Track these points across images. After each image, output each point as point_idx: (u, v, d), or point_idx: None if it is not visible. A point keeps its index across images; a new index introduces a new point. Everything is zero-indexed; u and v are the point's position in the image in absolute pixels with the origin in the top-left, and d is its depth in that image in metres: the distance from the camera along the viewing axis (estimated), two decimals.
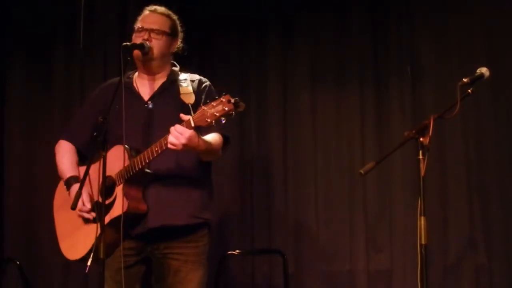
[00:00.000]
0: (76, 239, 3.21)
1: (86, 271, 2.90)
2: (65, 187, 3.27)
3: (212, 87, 3.31)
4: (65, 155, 3.35)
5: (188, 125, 2.86)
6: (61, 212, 3.32)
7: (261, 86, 4.86)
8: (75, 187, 3.18)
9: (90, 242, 3.06)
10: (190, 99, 3.00)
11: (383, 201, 4.61)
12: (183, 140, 2.86)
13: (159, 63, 3.26)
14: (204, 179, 3.27)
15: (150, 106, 3.23)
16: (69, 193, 3.24)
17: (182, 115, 2.89)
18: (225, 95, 2.77)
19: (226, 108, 2.75)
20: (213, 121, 2.78)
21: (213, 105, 2.78)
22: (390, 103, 4.70)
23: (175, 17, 3.33)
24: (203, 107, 2.81)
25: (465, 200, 4.50)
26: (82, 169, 3.27)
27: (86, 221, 3.18)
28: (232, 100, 2.75)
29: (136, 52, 3.17)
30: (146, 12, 3.30)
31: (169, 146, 2.89)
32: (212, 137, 3.11)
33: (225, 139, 3.22)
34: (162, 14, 3.29)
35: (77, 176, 3.27)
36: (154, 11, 3.29)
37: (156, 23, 3.24)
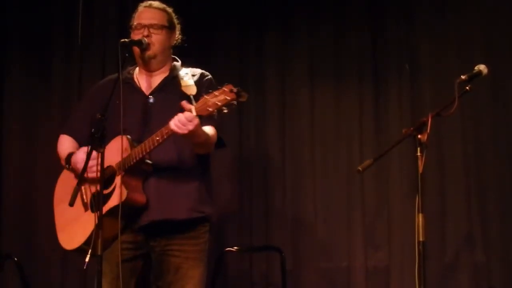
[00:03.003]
0: (74, 229, 3.20)
1: (85, 267, 2.90)
2: (66, 165, 3.28)
3: (214, 80, 3.31)
4: (65, 144, 3.37)
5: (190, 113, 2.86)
6: (61, 203, 3.31)
7: (260, 84, 4.87)
8: (76, 153, 3.20)
9: (87, 232, 3.08)
10: (191, 91, 3.00)
11: (381, 198, 4.62)
12: (190, 127, 2.86)
13: (160, 59, 3.27)
14: (203, 173, 3.27)
15: (151, 100, 3.24)
16: (69, 168, 3.25)
17: (184, 104, 2.88)
18: (227, 84, 2.77)
19: (228, 98, 2.74)
20: (215, 111, 2.78)
21: (215, 94, 2.78)
22: (389, 101, 4.70)
23: (170, 10, 3.35)
24: (204, 96, 2.81)
25: (463, 197, 4.51)
26: None
27: (84, 211, 3.18)
28: (235, 90, 2.74)
29: (135, 49, 3.20)
30: (141, 8, 3.31)
31: (173, 128, 2.87)
32: (209, 130, 3.12)
33: (220, 142, 3.23)
34: (158, 8, 3.31)
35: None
36: (150, 6, 3.31)
37: (154, 18, 3.25)
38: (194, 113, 2.84)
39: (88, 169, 2.96)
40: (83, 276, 4.48)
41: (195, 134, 2.93)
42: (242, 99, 2.76)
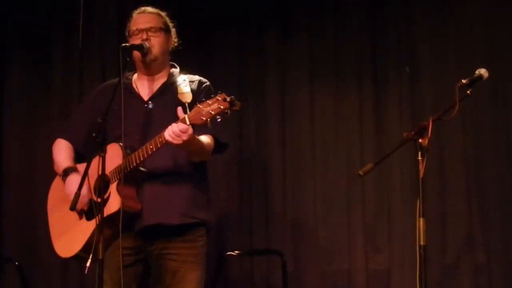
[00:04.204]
0: (70, 236, 3.21)
1: (86, 272, 2.90)
2: (61, 178, 3.28)
3: (212, 87, 3.31)
4: (62, 151, 3.37)
5: (183, 123, 2.86)
6: (55, 210, 3.33)
7: (260, 85, 4.85)
8: (72, 177, 3.20)
9: (83, 239, 3.09)
10: (187, 98, 3.00)
11: (381, 201, 4.61)
12: (185, 137, 2.87)
13: (160, 61, 3.28)
14: (199, 178, 3.27)
15: (150, 106, 3.24)
16: (64, 183, 3.24)
17: (179, 112, 2.89)
18: (220, 93, 2.78)
19: (222, 107, 2.75)
20: (209, 120, 2.79)
21: (208, 103, 2.78)
22: (389, 103, 4.69)
23: (164, 14, 3.37)
24: (198, 105, 2.81)
25: (464, 199, 4.50)
26: (79, 166, 3.30)
27: (80, 218, 3.19)
28: (228, 99, 2.75)
29: (136, 53, 3.19)
30: (136, 15, 3.33)
31: (168, 138, 2.89)
32: (205, 139, 3.12)
33: (222, 146, 3.23)
34: (152, 13, 3.34)
35: (74, 167, 3.28)
36: (144, 11, 3.34)
37: (150, 22, 3.27)
38: (188, 122, 2.84)
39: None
40: (83, 281, 4.51)
41: (189, 144, 2.94)
42: (236, 108, 2.77)
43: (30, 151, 4.92)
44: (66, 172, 3.26)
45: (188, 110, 2.88)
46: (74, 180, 3.17)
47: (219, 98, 2.76)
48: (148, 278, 3.28)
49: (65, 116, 4.78)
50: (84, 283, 4.60)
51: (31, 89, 5.01)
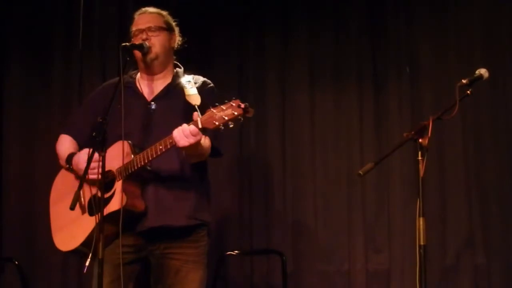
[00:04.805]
0: (71, 230, 3.21)
1: (85, 271, 2.90)
2: (66, 164, 3.27)
3: (216, 89, 3.30)
4: (65, 143, 3.37)
5: (195, 126, 2.85)
6: (58, 203, 3.33)
7: (260, 86, 4.86)
8: (80, 153, 3.19)
9: (84, 234, 3.09)
10: (196, 101, 2.97)
11: (381, 201, 4.61)
12: (192, 140, 2.86)
13: (162, 60, 3.27)
14: (202, 180, 3.27)
15: (153, 107, 3.23)
16: (70, 168, 3.25)
17: (195, 115, 2.86)
18: (235, 99, 2.76)
19: (236, 113, 2.73)
20: (221, 125, 2.77)
21: (222, 108, 2.76)
22: (389, 103, 4.69)
23: (165, 13, 3.36)
24: (212, 109, 2.79)
25: (464, 200, 4.50)
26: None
27: (82, 213, 3.19)
28: (242, 105, 2.73)
29: (137, 53, 3.20)
30: (137, 16, 3.34)
31: (175, 135, 2.87)
32: (204, 142, 3.10)
33: (216, 152, 3.22)
34: (152, 12, 3.33)
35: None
36: (145, 12, 3.34)
37: (150, 22, 3.27)
38: (200, 126, 2.83)
39: (89, 171, 2.94)
40: (83, 280, 4.50)
41: (194, 147, 2.93)
42: (249, 115, 2.75)
43: (30, 151, 4.92)
44: (70, 157, 3.25)
45: (199, 113, 2.86)
46: (82, 154, 3.16)
47: (233, 104, 2.74)
48: (148, 277, 3.27)
49: (65, 116, 4.79)
50: (83, 283, 4.60)
51: (31, 89, 5.01)
